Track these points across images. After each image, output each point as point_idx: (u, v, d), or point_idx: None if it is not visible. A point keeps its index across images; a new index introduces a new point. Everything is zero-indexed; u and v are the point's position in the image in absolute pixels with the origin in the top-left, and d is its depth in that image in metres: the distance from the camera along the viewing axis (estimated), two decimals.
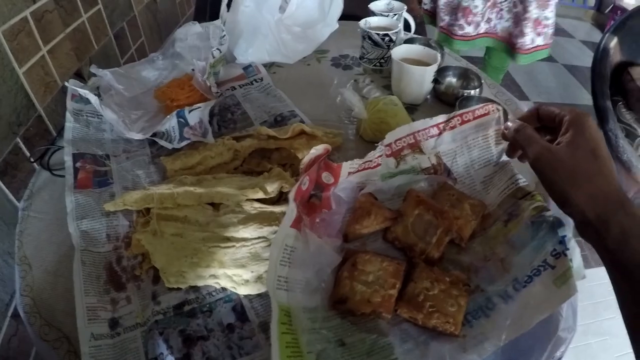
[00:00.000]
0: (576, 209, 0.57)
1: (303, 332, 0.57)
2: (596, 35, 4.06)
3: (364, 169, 0.78)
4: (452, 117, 0.80)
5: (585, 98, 3.12)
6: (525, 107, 1.10)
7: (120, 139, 0.94)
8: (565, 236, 0.63)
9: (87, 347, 0.61)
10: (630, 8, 3.62)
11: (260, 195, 0.73)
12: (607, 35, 2.14)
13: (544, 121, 0.67)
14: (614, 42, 2.12)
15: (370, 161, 0.78)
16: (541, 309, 0.60)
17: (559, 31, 4.06)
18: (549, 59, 3.53)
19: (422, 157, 0.81)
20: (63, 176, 0.85)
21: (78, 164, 0.85)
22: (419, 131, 0.80)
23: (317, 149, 0.70)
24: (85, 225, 0.75)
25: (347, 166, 0.76)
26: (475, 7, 1.82)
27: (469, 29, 1.88)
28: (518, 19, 1.82)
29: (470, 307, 0.64)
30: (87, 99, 0.93)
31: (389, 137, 0.79)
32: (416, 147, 0.80)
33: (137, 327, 0.64)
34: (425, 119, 0.80)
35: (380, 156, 0.79)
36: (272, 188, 0.74)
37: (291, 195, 0.64)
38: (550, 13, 1.80)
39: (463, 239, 0.72)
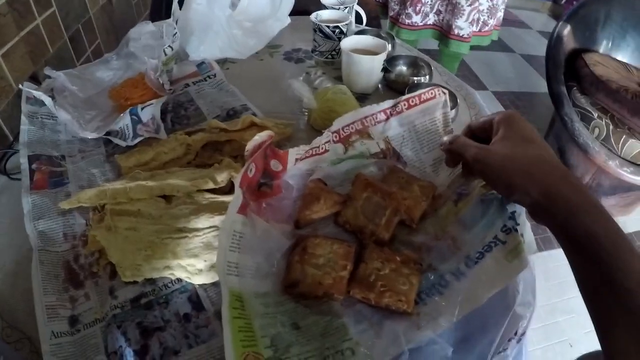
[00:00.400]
0: (521, 193, 0.58)
1: (256, 316, 0.58)
2: (553, 26, 4.16)
3: (312, 155, 0.79)
4: (399, 102, 0.82)
5: (543, 86, 3.15)
6: (477, 94, 1.14)
7: (75, 139, 0.94)
8: (514, 212, 0.64)
9: (48, 346, 0.62)
10: None
11: (210, 185, 0.75)
12: (560, 23, 2.20)
13: (477, 133, 0.69)
14: (567, 30, 2.19)
15: (317, 147, 0.79)
16: (493, 283, 0.60)
17: (516, 22, 4.15)
18: (506, 49, 3.60)
19: (371, 143, 0.83)
20: (20, 179, 0.86)
21: (34, 166, 0.86)
22: (366, 117, 0.82)
23: (261, 136, 0.71)
24: (42, 226, 0.76)
25: (293, 153, 0.77)
26: None
27: (417, 19, 1.91)
28: (454, 8, 1.86)
29: (424, 285, 0.65)
30: (41, 101, 0.94)
31: (337, 124, 0.80)
32: (364, 133, 0.82)
33: (96, 322, 0.65)
34: (372, 105, 0.82)
35: (327, 142, 0.80)
36: (221, 178, 0.76)
37: (236, 182, 0.65)
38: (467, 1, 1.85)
39: (413, 220, 0.74)
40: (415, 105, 0.83)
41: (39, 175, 0.85)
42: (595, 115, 2.03)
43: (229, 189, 0.79)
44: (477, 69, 3.26)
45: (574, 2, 3.90)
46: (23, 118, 0.94)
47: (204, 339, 0.63)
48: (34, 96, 0.97)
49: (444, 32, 1.97)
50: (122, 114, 0.89)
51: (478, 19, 1.90)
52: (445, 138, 0.71)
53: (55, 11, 1.17)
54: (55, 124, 0.97)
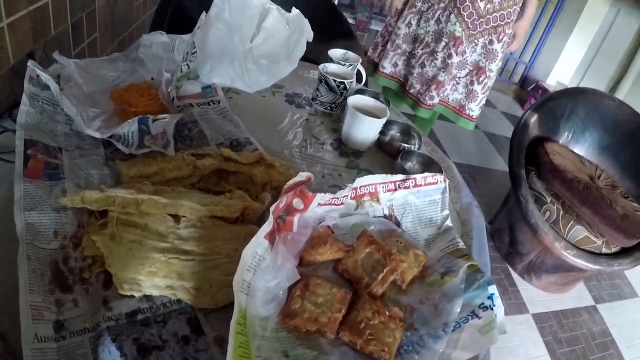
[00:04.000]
0: None
1: (255, 337, 0.63)
2: (515, 108, 4.41)
3: (331, 204, 0.85)
4: (409, 179, 0.91)
5: (499, 164, 3.36)
6: (454, 167, 1.21)
7: (73, 133, 0.92)
8: (493, 294, 0.75)
9: (29, 349, 0.57)
10: (550, 89, 4.00)
11: (225, 213, 0.76)
12: (529, 111, 2.37)
13: None
14: (534, 119, 2.37)
15: (338, 198, 0.85)
16: (466, 350, 0.70)
17: None
18: None
19: (378, 207, 0.91)
20: (7, 161, 0.82)
21: (29, 151, 0.82)
22: (379, 183, 0.90)
23: (302, 176, 0.77)
24: (33, 218, 0.72)
25: (319, 197, 0.82)
26: (446, 81, 2.01)
27: (437, 100, 2.06)
28: (470, 93, 2.05)
29: (404, 342, 0.72)
30: (45, 84, 0.91)
31: (357, 182, 0.87)
32: (375, 197, 0.90)
33: (85, 332, 0.62)
34: (387, 175, 0.91)
35: (345, 196, 0.87)
36: (235, 208, 0.78)
37: (272, 209, 0.71)
38: (482, 88, 2.04)
39: (404, 282, 0.81)
40: (420, 185, 0.93)
41: (33, 162, 0.81)
42: (549, 199, 2.19)
43: (235, 220, 0.79)
44: (442, 138, 3.37)
45: (539, 90, 4.19)
46: (24, 98, 0.90)
47: None
48: (37, 76, 0.93)
49: (453, 110, 2.15)
50: (129, 120, 0.88)
51: (482, 105, 2.10)
52: None
53: None
54: (55, 112, 0.94)
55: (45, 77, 0.90)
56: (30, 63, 0.94)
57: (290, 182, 0.76)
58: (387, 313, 0.73)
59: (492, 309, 0.73)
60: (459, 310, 0.73)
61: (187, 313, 0.68)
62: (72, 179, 0.82)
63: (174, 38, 1.18)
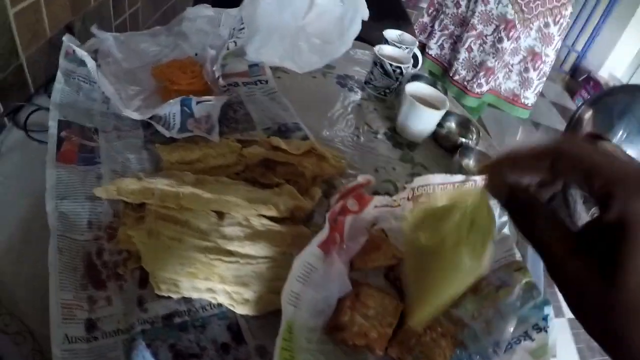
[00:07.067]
0: None
1: (300, 350, 0.59)
2: (565, 99, 4.23)
3: (387, 205, 0.79)
4: (467, 181, 0.83)
5: None
6: None
7: (110, 113, 0.86)
8: (548, 315, 0.69)
9: (60, 351, 0.53)
10: (603, 81, 3.81)
11: (273, 213, 0.69)
12: (583, 106, 2.24)
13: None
14: (588, 115, 2.23)
15: (395, 201, 0.79)
16: None
17: None
18: None
19: None
20: (40, 141, 0.76)
21: (63, 134, 0.77)
22: (438, 184, 0.83)
23: (363, 177, 0.74)
24: (66, 207, 0.67)
25: (376, 200, 0.77)
26: (496, 67, 1.88)
27: (485, 88, 1.93)
28: (525, 81, 1.91)
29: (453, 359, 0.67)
30: (81, 60, 0.84)
31: (415, 182, 0.81)
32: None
33: (118, 333, 0.57)
34: (446, 175, 0.84)
35: (403, 198, 0.80)
36: (284, 207, 0.70)
37: (327, 215, 0.66)
38: (538, 74, 1.90)
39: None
40: None
41: (67, 145, 0.76)
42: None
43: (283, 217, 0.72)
44: (490, 125, 3.26)
45: (591, 82, 3.99)
46: (59, 75, 0.85)
47: None
48: (73, 51, 0.87)
49: (506, 100, 2.02)
50: (171, 100, 0.81)
51: (540, 92, 1.97)
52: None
53: None
54: (92, 89, 0.88)
55: (81, 53, 0.83)
56: (66, 38, 0.87)
57: (350, 185, 0.72)
58: (439, 329, 0.68)
59: (546, 331, 0.68)
60: (512, 329, 0.69)
61: (227, 319, 0.62)
62: (108, 164, 0.77)
63: (220, 12, 1.10)
